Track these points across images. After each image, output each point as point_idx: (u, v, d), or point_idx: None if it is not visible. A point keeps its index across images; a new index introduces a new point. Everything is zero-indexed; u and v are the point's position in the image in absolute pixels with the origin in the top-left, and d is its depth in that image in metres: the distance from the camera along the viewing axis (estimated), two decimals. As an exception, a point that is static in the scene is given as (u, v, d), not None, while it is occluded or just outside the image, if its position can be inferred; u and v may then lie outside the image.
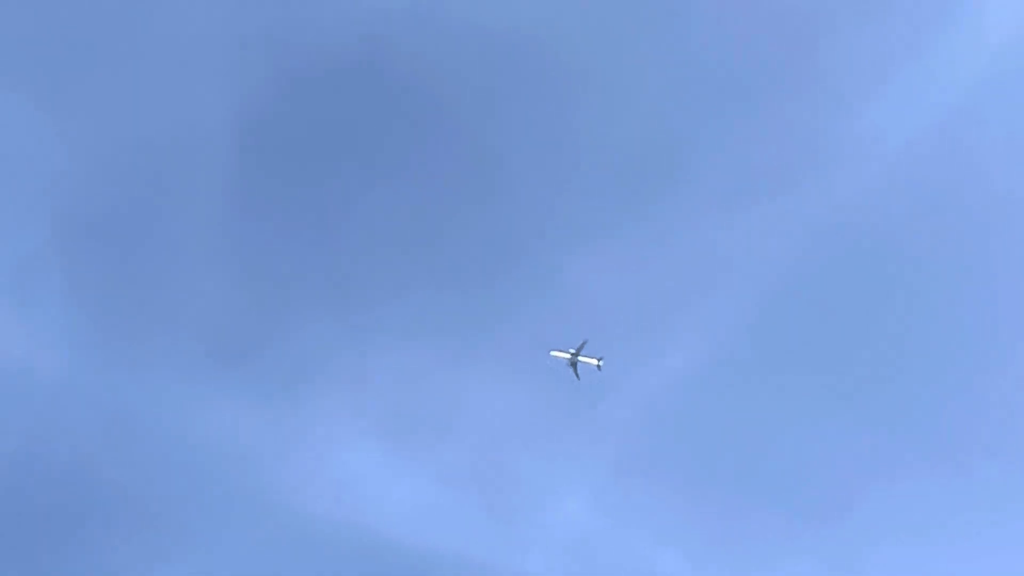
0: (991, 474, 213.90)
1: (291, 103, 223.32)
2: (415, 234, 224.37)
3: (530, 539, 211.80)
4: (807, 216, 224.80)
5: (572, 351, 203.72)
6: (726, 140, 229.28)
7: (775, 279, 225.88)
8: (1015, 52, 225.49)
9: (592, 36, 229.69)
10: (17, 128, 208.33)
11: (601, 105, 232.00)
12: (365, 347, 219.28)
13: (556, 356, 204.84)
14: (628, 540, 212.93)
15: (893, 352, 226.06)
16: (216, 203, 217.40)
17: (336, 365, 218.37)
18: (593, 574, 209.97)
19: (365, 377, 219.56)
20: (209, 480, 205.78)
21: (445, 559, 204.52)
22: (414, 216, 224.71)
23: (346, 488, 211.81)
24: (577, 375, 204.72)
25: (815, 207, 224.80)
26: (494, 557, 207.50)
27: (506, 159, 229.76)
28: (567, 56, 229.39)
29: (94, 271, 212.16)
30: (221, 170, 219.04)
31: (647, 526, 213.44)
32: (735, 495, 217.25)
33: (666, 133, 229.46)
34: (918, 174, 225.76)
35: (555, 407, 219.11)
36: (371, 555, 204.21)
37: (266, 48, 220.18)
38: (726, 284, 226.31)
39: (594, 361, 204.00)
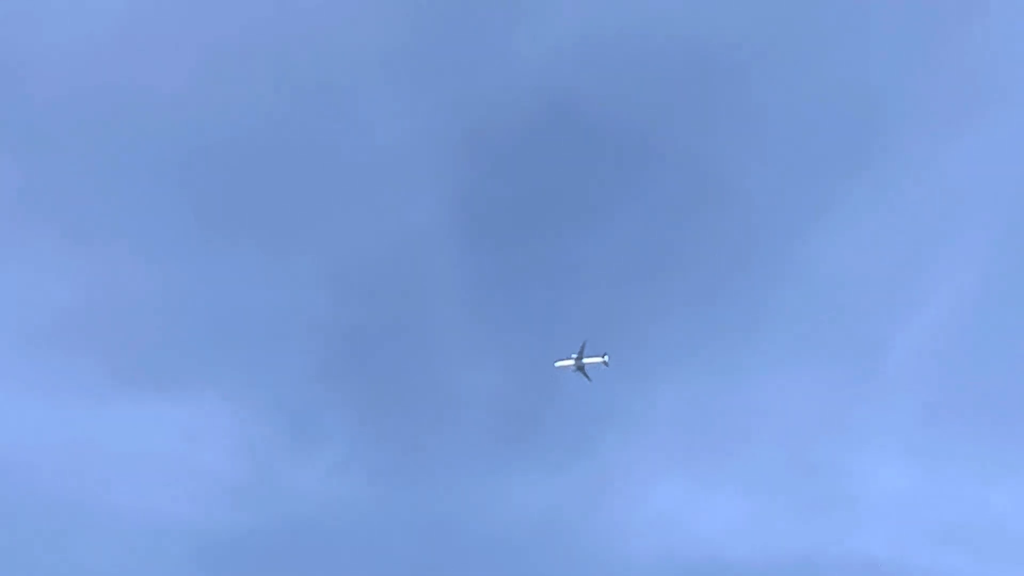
0: None
1: (499, 170, 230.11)
2: (655, 263, 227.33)
3: (856, 516, 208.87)
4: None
5: (575, 356, 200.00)
6: (916, 80, 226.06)
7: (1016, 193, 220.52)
8: None
9: (758, 29, 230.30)
10: (262, 276, 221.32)
11: (788, 88, 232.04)
12: (640, 384, 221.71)
13: (561, 366, 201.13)
14: (955, 486, 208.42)
15: None
16: (459, 290, 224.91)
17: (619, 409, 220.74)
18: (928, 529, 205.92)
19: (648, 413, 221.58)
20: (534, 553, 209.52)
21: (777, 560, 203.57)
22: (649, 246, 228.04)
23: (662, 523, 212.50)
24: (587, 376, 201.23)
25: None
26: (826, 543, 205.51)
27: (716, 167, 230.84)
28: (741, 51, 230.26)
29: (365, 390, 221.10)
30: (455, 257, 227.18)
31: (970, 468, 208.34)
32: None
33: (856, 92, 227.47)
34: None
35: (836, 385, 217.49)
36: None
37: (465, 128, 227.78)
38: (969, 210, 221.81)
39: (599, 359, 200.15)
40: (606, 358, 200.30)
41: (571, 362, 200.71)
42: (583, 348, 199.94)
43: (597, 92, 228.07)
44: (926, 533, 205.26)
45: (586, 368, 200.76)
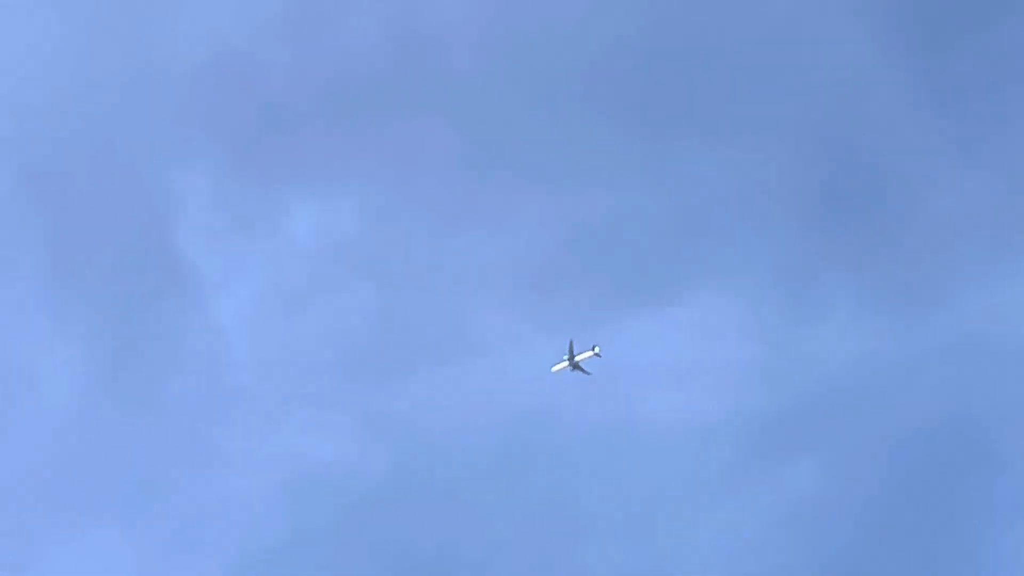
0: None
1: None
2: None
3: None
4: None
5: (566, 357, 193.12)
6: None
7: None
8: None
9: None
10: (719, 167, 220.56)
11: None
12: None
13: (558, 370, 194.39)
14: None
15: None
16: (912, 108, 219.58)
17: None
18: None
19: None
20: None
21: None
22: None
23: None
24: (585, 371, 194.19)
25: None
26: None
27: None
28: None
29: (852, 241, 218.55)
30: (898, 78, 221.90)
31: None
32: None
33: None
34: None
35: None
36: None
37: None
38: None
39: (591, 353, 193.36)
40: (597, 350, 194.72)
41: (565, 364, 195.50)
42: (571, 349, 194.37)
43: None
44: None
45: (581, 364, 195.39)
